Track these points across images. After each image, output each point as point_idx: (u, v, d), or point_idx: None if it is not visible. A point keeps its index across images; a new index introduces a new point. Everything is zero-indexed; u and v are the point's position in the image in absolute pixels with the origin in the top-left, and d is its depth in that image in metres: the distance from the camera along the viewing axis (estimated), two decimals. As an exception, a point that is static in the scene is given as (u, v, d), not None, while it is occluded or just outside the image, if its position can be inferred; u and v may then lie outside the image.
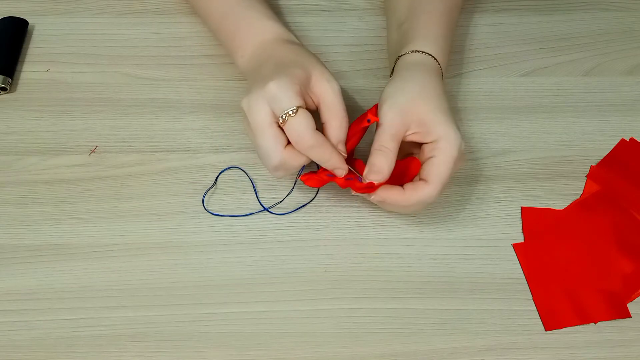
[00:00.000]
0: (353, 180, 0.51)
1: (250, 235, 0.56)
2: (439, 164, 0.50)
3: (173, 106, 0.62)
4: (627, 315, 0.53)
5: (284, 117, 0.48)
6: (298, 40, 0.57)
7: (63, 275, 0.54)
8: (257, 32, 0.56)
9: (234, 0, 0.58)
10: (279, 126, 0.49)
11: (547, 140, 0.61)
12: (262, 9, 0.58)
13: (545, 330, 0.52)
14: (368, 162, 0.51)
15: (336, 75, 0.63)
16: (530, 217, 0.57)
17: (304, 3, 0.69)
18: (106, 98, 0.62)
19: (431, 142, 0.51)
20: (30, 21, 0.66)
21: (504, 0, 0.70)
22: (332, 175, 0.51)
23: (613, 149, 0.60)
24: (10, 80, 0.62)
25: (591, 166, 0.59)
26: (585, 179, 0.59)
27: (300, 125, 0.48)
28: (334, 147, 0.50)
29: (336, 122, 0.51)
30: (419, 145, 0.52)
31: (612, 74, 0.65)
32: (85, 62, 0.65)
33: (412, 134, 0.51)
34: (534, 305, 0.53)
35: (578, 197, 0.58)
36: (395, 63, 0.56)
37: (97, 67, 0.64)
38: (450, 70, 0.65)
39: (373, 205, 0.56)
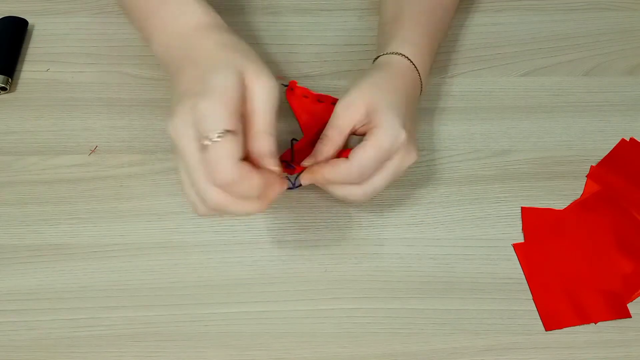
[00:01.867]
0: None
1: (250, 235, 0.56)
2: (363, 146, 0.48)
3: (173, 106, 0.62)
4: (627, 315, 0.53)
5: (205, 145, 0.41)
6: (224, 23, 0.50)
7: (63, 275, 0.54)
8: (174, 15, 0.48)
9: None
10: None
11: (547, 140, 0.61)
12: None
13: (546, 330, 0.52)
14: (312, 153, 0.50)
15: (336, 76, 0.64)
16: (530, 217, 0.57)
17: (303, 2, 0.69)
18: (106, 98, 0.62)
19: (369, 129, 0.49)
20: (30, 21, 0.66)
21: (504, 0, 0.70)
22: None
23: (613, 149, 0.60)
24: (10, 80, 0.62)
25: (591, 166, 0.59)
26: (585, 179, 0.59)
27: (221, 155, 0.40)
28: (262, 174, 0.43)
29: (260, 133, 0.43)
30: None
31: (612, 74, 0.65)
32: (85, 62, 0.65)
33: (362, 126, 0.50)
34: (534, 305, 0.53)
35: (578, 197, 0.58)
36: (373, 62, 0.56)
37: (97, 67, 0.64)
38: (450, 70, 0.65)
39: (373, 205, 0.56)
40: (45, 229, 0.56)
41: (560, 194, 0.58)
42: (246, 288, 0.54)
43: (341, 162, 0.48)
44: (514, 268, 0.55)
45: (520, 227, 0.56)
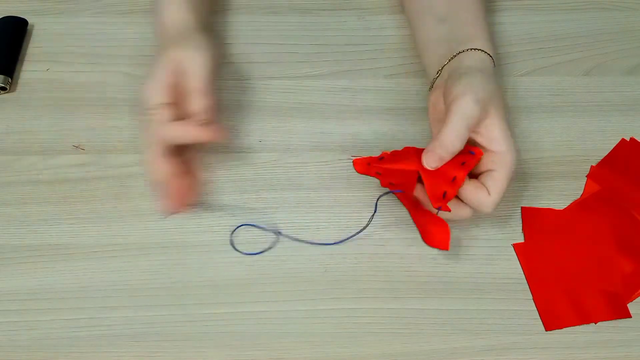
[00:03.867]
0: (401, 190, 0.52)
1: (250, 235, 0.56)
2: (500, 179, 0.50)
3: (173, 106, 0.62)
4: (627, 315, 0.53)
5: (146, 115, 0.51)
6: (196, 20, 0.58)
7: (63, 275, 0.54)
8: (162, 10, 0.57)
9: None
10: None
11: (547, 140, 0.61)
12: None
13: (546, 330, 0.52)
14: (431, 144, 0.50)
15: (336, 76, 0.64)
16: (531, 217, 0.57)
17: (303, 2, 0.69)
18: (106, 98, 0.62)
19: (492, 153, 0.50)
20: (30, 21, 0.66)
21: (504, 0, 0.70)
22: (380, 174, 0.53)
23: (613, 149, 0.60)
24: (10, 80, 0.62)
25: (591, 166, 0.59)
26: (586, 179, 0.59)
27: (153, 126, 0.51)
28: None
29: (192, 94, 0.52)
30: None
31: (612, 74, 0.65)
32: (85, 62, 0.65)
33: (478, 132, 0.51)
34: (534, 305, 0.53)
35: (578, 197, 0.58)
36: (452, 58, 0.55)
37: (97, 67, 0.64)
38: (450, 70, 0.65)
39: (373, 205, 0.55)
40: (45, 229, 0.56)
41: (560, 194, 0.58)
42: (246, 288, 0.54)
43: (484, 192, 0.50)
44: (514, 268, 0.55)
45: (520, 227, 0.56)
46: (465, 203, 0.51)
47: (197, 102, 0.52)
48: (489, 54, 0.55)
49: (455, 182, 0.51)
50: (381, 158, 0.55)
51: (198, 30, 0.57)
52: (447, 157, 0.50)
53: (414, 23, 0.63)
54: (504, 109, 0.52)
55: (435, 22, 0.59)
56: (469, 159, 0.51)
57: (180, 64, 0.52)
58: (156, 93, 0.51)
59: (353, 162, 0.54)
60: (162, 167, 0.51)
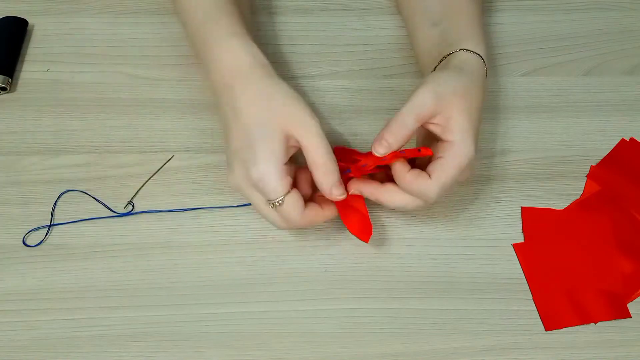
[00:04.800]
0: (352, 171, 0.52)
1: (250, 235, 0.56)
2: (445, 164, 0.49)
3: (173, 106, 0.62)
4: (627, 315, 0.53)
5: (272, 206, 0.49)
6: (265, 61, 0.52)
7: (63, 275, 0.54)
8: (228, 54, 0.52)
9: (208, 4, 0.54)
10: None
11: (547, 140, 0.61)
12: (235, 18, 0.54)
13: (546, 330, 0.52)
14: (379, 134, 0.50)
15: (336, 76, 0.64)
16: (531, 217, 0.57)
17: (303, 2, 0.69)
18: (106, 98, 0.62)
19: (445, 142, 0.50)
20: (30, 21, 0.66)
21: (504, 0, 0.70)
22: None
23: (613, 148, 0.60)
24: (10, 80, 0.62)
25: (591, 166, 0.59)
26: (586, 179, 0.59)
27: (289, 213, 0.49)
28: (323, 211, 0.51)
29: (320, 174, 0.49)
30: (435, 141, 0.52)
31: (612, 74, 0.65)
32: (85, 62, 0.64)
33: (434, 124, 0.50)
34: (534, 305, 0.53)
35: (578, 197, 0.58)
36: (442, 60, 0.55)
37: (97, 67, 0.64)
38: (450, 70, 0.65)
39: (372, 205, 0.56)
40: (45, 229, 0.56)
41: (560, 194, 0.58)
42: (246, 288, 0.54)
43: (424, 177, 0.49)
44: (514, 268, 0.55)
45: (520, 227, 0.56)
46: (407, 192, 0.50)
47: (323, 180, 0.49)
48: (477, 54, 0.54)
49: (363, 168, 0.51)
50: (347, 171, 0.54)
51: (276, 74, 0.52)
52: (395, 144, 0.49)
53: (409, 27, 0.63)
54: (475, 107, 0.51)
55: (428, 24, 0.59)
56: (413, 154, 0.51)
57: (293, 136, 0.49)
58: (276, 185, 0.48)
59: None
60: (318, 218, 0.51)
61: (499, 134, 0.61)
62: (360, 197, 0.53)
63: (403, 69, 0.65)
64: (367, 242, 0.52)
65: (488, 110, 0.62)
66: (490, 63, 0.57)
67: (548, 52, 0.66)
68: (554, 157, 0.60)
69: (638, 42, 0.67)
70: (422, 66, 0.60)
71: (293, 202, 0.49)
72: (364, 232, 0.52)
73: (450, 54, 0.54)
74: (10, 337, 0.51)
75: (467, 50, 0.54)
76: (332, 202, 0.51)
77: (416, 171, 0.50)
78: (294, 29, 0.67)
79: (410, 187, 0.50)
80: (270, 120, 0.49)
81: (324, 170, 0.49)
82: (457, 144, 0.49)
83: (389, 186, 0.51)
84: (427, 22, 0.59)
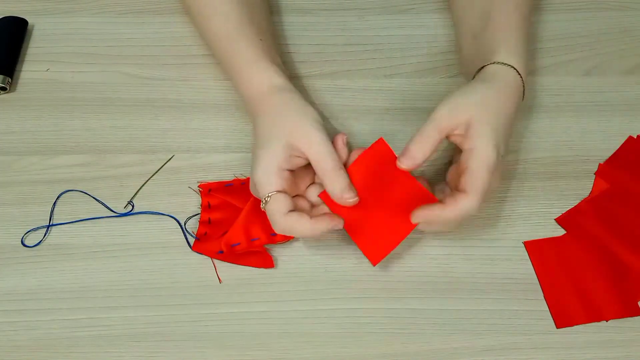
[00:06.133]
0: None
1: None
2: (474, 171, 0.49)
3: (173, 106, 0.62)
4: (638, 313, 0.53)
5: (263, 204, 0.50)
6: (289, 84, 0.56)
7: (63, 275, 0.54)
8: (251, 80, 0.55)
9: (225, 32, 0.57)
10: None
11: (547, 140, 0.61)
12: (253, 45, 0.57)
13: (557, 328, 0.52)
14: (404, 147, 0.51)
15: (336, 76, 0.64)
16: (537, 251, 0.55)
17: (303, 2, 0.69)
18: (106, 98, 0.62)
19: (466, 151, 0.50)
20: (30, 21, 0.66)
21: (504, 0, 0.69)
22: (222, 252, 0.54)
23: (620, 146, 0.60)
24: (10, 80, 0.62)
25: (599, 164, 0.59)
26: (586, 179, 0.59)
27: (272, 211, 0.50)
28: (310, 222, 0.49)
29: (328, 180, 0.51)
30: (459, 152, 0.52)
31: (612, 73, 0.65)
32: (85, 62, 0.65)
33: (456, 135, 0.51)
34: (534, 305, 0.53)
35: (578, 197, 0.58)
36: (476, 73, 0.55)
37: (97, 67, 0.64)
38: (450, 70, 0.65)
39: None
40: (45, 229, 0.56)
41: (561, 194, 0.58)
42: (246, 288, 0.54)
43: (462, 197, 0.49)
44: (514, 268, 0.55)
45: (520, 227, 0.56)
46: (453, 221, 0.50)
47: (332, 186, 0.51)
48: (509, 65, 0.54)
49: (253, 243, 0.53)
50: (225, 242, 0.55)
51: (291, 90, 0.55)
52: (419, 156, 0.50)
53: (456, 35, 0.64)
54: (501, 114, 0.51)
55: (469, 35, 0.60)
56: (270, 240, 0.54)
57: (298, 148, 0.51)
58: (266, 183, 0.50)
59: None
60: (302, 226, 0.50)
61: (499, 134, 0.61)
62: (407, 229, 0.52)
63: (403, 69, 0.65)
64: (374, 265, 0.52)
65: (488, 110, 0.62)
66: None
67: (548, 52, 0.66)
68: (554, 157, 0.60)
69: (638, 42, 0.67)
70: (464, 75, 0.61)
71: (278, 202, 0.49)
72: (376, 254, 0.51)
73: (482, 67, 0.55)
74: (10, 337, 0.51)
75: (497, 62, 0.54)
76: (323, 219, 0.50)
77: (450, 198, 0.50)
78: (294, 29, 0.67)
79: (453, 214, 0.49)
80: (276, 132, 0.52)
81: (331, 176, 0.50)
82: (477, 150, 0.49)
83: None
84: (469, 34, 0.60)
